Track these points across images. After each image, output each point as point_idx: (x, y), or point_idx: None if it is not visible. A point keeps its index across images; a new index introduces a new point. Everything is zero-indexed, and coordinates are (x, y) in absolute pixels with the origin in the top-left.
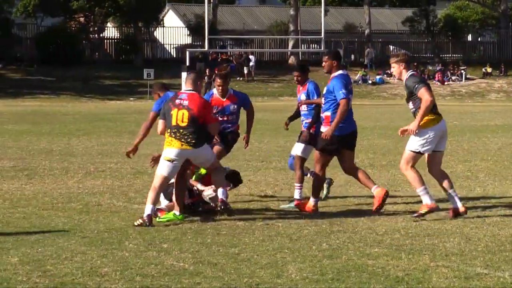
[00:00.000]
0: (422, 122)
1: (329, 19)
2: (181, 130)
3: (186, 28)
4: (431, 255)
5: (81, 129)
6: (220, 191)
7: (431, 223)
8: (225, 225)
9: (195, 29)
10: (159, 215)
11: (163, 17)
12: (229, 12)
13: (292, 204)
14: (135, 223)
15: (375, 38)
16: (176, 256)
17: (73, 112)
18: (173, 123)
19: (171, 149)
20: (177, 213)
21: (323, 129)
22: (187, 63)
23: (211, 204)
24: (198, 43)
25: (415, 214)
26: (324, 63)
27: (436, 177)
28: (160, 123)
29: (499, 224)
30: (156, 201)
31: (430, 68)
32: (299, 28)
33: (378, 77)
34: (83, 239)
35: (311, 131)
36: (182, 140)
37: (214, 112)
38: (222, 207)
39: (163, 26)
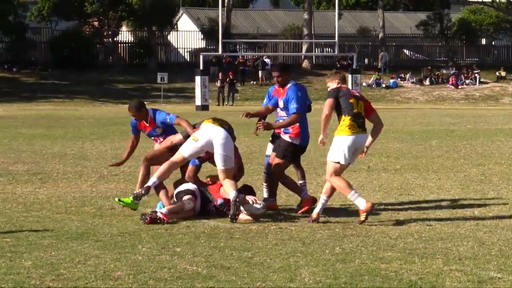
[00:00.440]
0: (339, 132)
1: (343, 23)
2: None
3: (200, 32)
4: (444, 259)
5: (94, 133)
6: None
7: (445, 227)
8: (238, 229)
9: (209, 33)
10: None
11: (177, 21)
12: (243, 16)
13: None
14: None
15: (389, 41)
16: (189, 260)
17: (87, 116)
18: None
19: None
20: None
21: (286, 137)
22: (201, 67)
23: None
24: (211, 47)
25: (360, 222)
26: (278, 78)
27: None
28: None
29: None
30: (163, 177)
31: (444, 71)
32: (313, 32)
33: (391, 80)
34: (97, 243)
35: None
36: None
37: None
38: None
39: (177, 30)
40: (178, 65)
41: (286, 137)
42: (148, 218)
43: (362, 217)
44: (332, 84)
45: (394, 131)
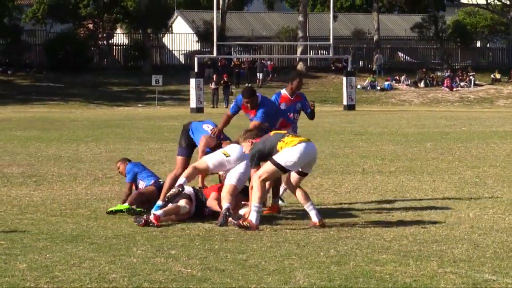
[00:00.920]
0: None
1: (338, 25)
2: None
3: (194, 35)
4: (439, 261)
5: (89, 135)
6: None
7: (439, 229)
8: (233, 231)
9: (203, 35)
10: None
11: (171, 23)
12: (238, 19)
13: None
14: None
15: (384, 44)
16: (184, 263)
17: (82, 118)
18: None
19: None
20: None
21: None
22: (196, 69)
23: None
24: (206, 50)
25: (239, 221)
26: (248, 104)
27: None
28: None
29: (507, 230)
30: (189, 179)
31: (439, 74)
32: (307, 34)
33: (386, 83)
34: (91, 245)
35: None
36: None
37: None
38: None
39: (172, 33)
40: (173, 68)
41: None
42: (143, 220)
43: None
44: (246, 146)
45: (389, 134)
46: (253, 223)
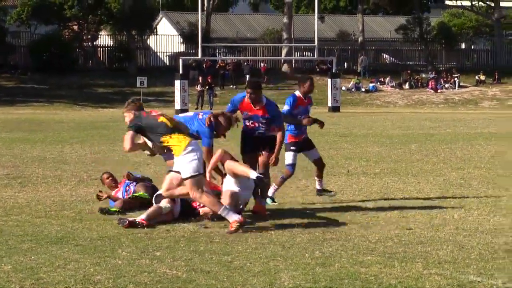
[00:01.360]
0: (176, 151)
1: (323, 27)
2: None
3: (179, 36)
4: (424, 262)
5: (74, 137)
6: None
7: (424, 231)
8: (218, 233)
9: (188, 37)
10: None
11: (156, 25)
12: (222, 20)
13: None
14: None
15: (369, 46)
16: (169, 264)
17: (67, 120)
18: None
19: None
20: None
21: None
22: (180, 71)
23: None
24: (191, 51)
25: (227, 231)
26: (253, 96)
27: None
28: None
29: (492, 232)
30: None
31: (424, 76)
32: (292, 36)
33: (371, 84)
34: (76, 247)
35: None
36: None
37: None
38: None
39: (157, 34)
40: (158, 69)
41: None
42: (127, 221)
43: (234, 227)
44: (129, 115)
45: (373, 135)
46: (235, 220)
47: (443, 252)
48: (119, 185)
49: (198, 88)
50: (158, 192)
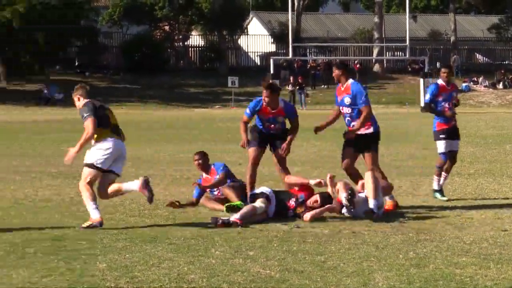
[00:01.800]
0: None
1: (414, 26)
2: None
3: (270, 36)
4: None
5: (166, 136)
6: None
7: None
8: (311, 233)
9: (279, 36)
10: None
11: (247, 25)
12: (313, 20)
13: None
14: None
15: (461, 45)
16: (262, 264)
17: (159, 119)
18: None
19: None
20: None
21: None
22: (271, 71)
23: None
24: (282, 51)
25: (82, 226)
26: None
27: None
28: None
29: None
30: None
31: None
32: (383, 36)
33: (464, 84)
34: (170, 246)
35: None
36: None
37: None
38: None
39: (247, 34)
40: (249, 69)
41: (364, 132)
42: (220, 221)
43: (87, 223)
44: (78, 99)
45: (467, 135)
46: (94, 219)
47: None
48: (210, 174)
49: (289, 88)
50: (253, 191)
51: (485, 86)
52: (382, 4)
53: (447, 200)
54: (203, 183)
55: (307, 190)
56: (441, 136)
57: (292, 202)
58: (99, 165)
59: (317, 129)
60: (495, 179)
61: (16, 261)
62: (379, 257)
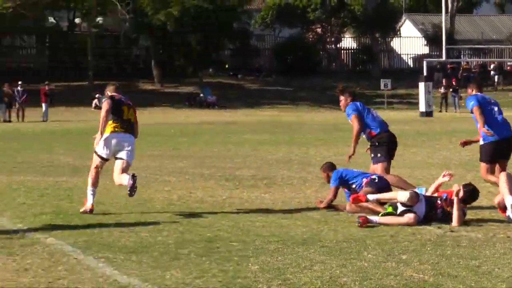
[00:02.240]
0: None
1: None
2: None
3: (423, 38)
4: None
5: (319, 138)
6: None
7: None
8: (465, 237)
9: (432, 38)
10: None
11: (400, 27)
12: (467, 22)
13: None
14: None
15: None
16: (415, 268)
17: (311, 121)
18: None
19: None
20: None
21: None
22: (425, 73)
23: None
24: (435, 53)
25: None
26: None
27: None
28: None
29: None
30: None
31: None
32: None
33: None
34: (322, 249)
35: None
36: None
37: None
38: None
39: (400, 36)
40: (401, 71)
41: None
42: (361, 220)
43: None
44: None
45: None
46: (88, 205)
47: None
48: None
49: (442, 90)
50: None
51: None
52: None
53: None
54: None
55: (446, 191)
56: None
57: (439, 201)
58: (102, 155)
59: (464, 144)
60: None
61: (170, 262)
62: None
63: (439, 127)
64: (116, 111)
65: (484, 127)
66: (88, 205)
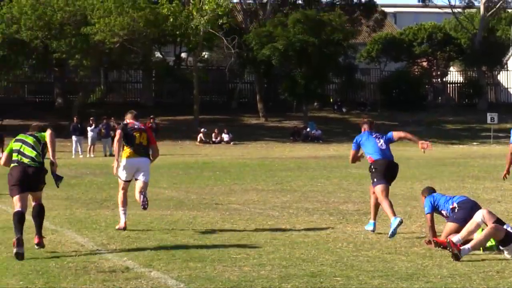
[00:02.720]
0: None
1: None
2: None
3: None
4: None
5: (424, 173)
6: None
7: None
8: None
9: None
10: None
11: (507, 60)
12: None
13: None
14: None
15: None
16: None
17: (417, 156)
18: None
19: None
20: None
21: None
22: None
23: None
24: None
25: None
26: None
27: None
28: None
29: None
30: None
31: None
32: None
33: None
34: (427, 284)
35: None
36: None
37: None
38: None
39: (507, 70)
40: (508, 105)
41: None
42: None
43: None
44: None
45: None
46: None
47: None
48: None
49: None
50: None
51: None
52: None
53: None
54: None
55: None
56: None
57: None
58: (123, 178)
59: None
60: None
61: None
62: None
63: None
64: (128, 138)
65: None
66: (122, 223)
